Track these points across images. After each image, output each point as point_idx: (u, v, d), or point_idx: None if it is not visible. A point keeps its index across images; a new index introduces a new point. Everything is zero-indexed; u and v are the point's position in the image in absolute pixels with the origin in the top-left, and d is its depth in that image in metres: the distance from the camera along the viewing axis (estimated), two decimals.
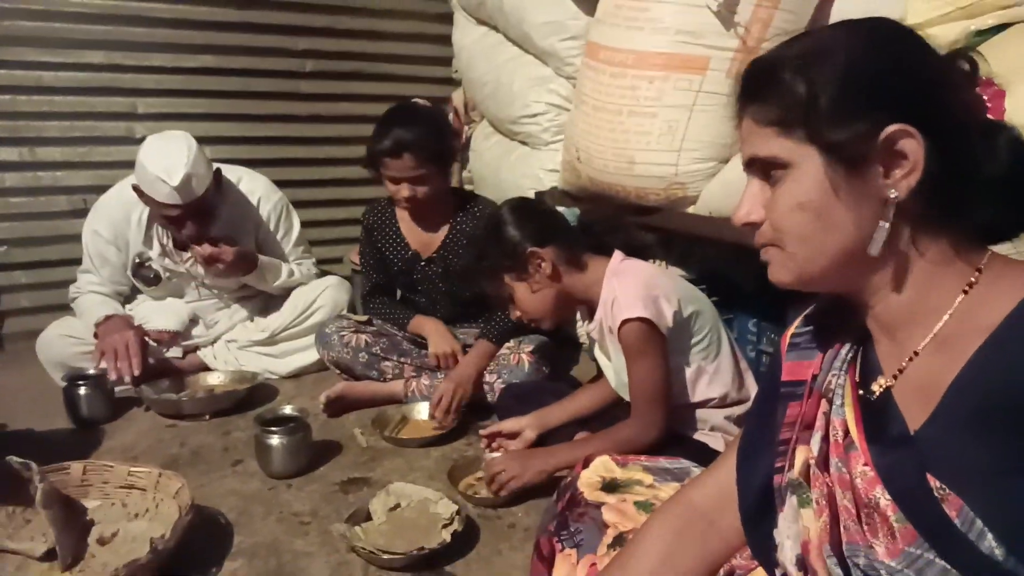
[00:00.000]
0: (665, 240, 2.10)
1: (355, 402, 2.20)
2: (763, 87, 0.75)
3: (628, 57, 1.89)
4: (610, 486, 1.14)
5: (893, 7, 1.64)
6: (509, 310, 1.72)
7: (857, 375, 0.80)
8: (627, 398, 1.59)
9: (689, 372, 1.58)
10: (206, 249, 2.23)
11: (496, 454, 1.73)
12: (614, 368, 1.66)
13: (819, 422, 0.81)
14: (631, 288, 1.53)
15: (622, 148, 1.92)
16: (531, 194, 2.49)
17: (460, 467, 1.78)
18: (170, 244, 2.38)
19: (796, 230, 0.74)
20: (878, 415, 0.75)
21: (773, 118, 0.73)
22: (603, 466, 1.19)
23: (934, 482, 0.65)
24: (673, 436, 1.54)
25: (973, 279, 0.71)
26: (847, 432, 0.77)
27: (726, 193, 1.83)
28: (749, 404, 1.60)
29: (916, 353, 0.73)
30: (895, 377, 0.75)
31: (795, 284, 0.76)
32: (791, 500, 0.81)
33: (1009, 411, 0.61)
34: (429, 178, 2.14)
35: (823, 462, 0.79)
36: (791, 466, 0.83)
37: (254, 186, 2.49)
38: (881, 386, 0.77)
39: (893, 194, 0.70)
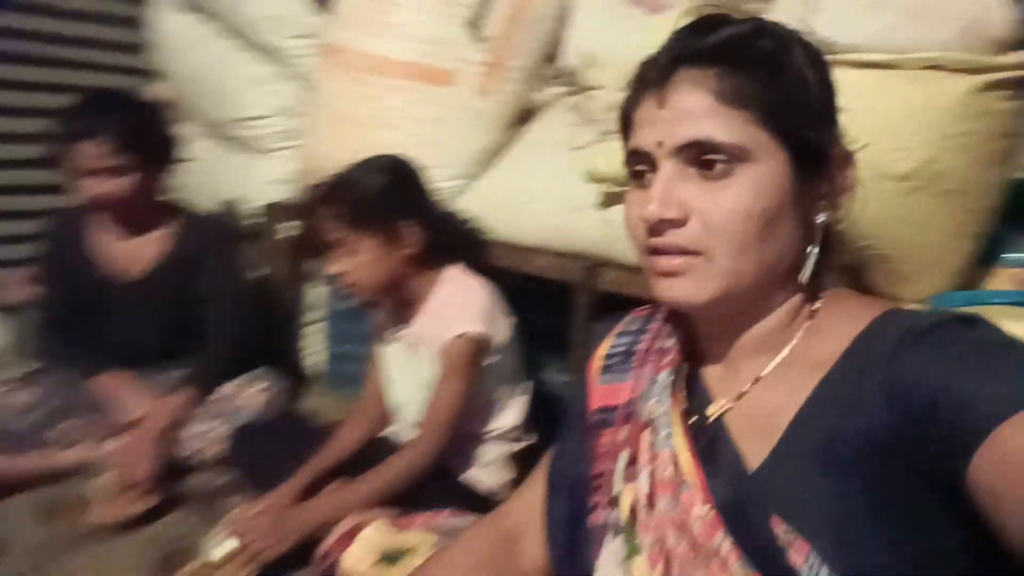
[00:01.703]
0: None
1: (16, 483, 1.64)
2: (736, 54, 0.63)
3: (371, 63, 1.73)
4: (390, 557, 0.98)
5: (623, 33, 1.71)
6: (336, 264, 1.44)
7: (682, 402, 0.74)
8: (407, 417, 1.45)
9: (489, 399, 1.48)
10: None
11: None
12: (407, 384, 1.50)
13: (643, 455, 0.73)
14: (472, 301, 1.41)
15: None
16: (255, 207, 2.21)
17: (175, 556, 1.41)
18: None
19: (738, 237, 0.63)
20: (711, 447, 0.69)
21: (747, 97, 0.62)
22: (376, 535, 1.02)
23: (780, 525, 0.60)
24: (439, 471, 1.42)
25: (815, 308, 0.69)
26: (676, 465, 0.69)
27: (482, 212, 1.75)
28: (531, 440, 1.53)
29: (757, 380, 0.69)
30: (736, 401, 0.70)
31: (709, 303, 0.65)
32: (614, 545, 0.73)
33: (850, 452, 0.58)
34: (130, 172, 1.68)
35: (651, 502, 0.71)
36: (611, 504, 0.75)
37: None
38: (718, 410, 0.70)
39: (820, 219, 0.66)
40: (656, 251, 0.66)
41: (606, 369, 0.83)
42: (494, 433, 1.52)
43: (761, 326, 0.69)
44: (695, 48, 0.65)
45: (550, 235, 1.55)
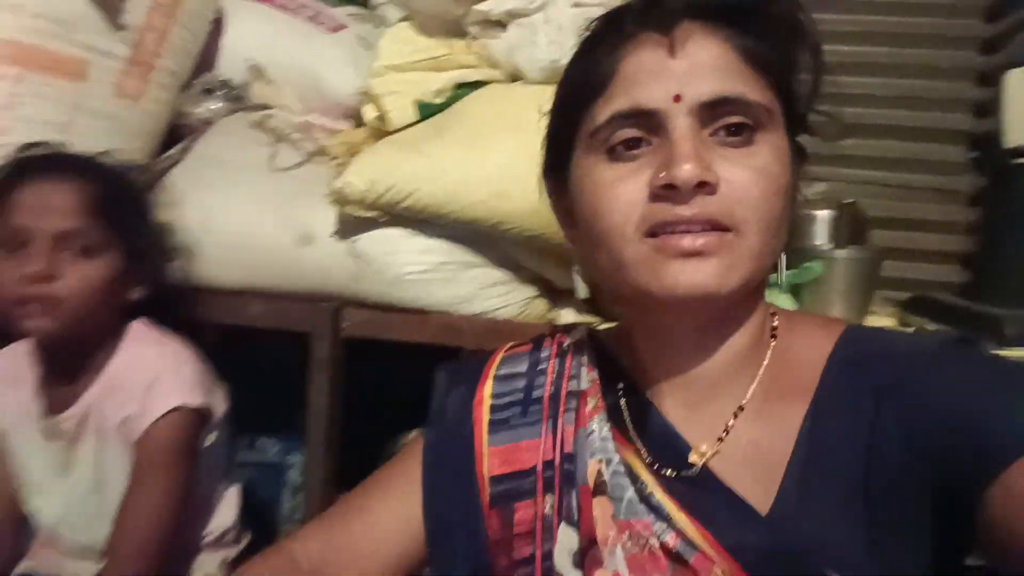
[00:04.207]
0: None
1: None
2: (753, 17, 0.56)
3: None
4: None
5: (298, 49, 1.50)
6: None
7: (642, 453, 0.62)
8: (66, 542, 1.04)
9: (206, 495, 1.09)
10: None
11: None
12: (65, 493, 1.04)
13: (605, 532, 0.58)
14: (186, 366, 1.02)
15: None
16: None
17: None
18: None
19: (769, 213, 0.54)
20: (702, 500, 0.58)
21: (767, 61, 0.56)
22: None
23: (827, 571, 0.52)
24: None
25: (775, 323, 0.64)
26: (666, 532, 0.57)
27: None
28: (245, 541, 1.16)
29: (739, 410, 0.60)
30: (720, 440, 0.59)
31: (730, 294, 0.54)
32: None
33: (865, 484, 0.54)
34: None
35: None
36: None
37: None
38: (703, 457, 0.59)
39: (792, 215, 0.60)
40: (672, 229, 0.53)
41: (497, 425, 0.66)
42: (208, 539, 1.13)
43: (736, 340, 0.60)
44: (708, 1, 0.56)
45: (268, 274, 1.23)
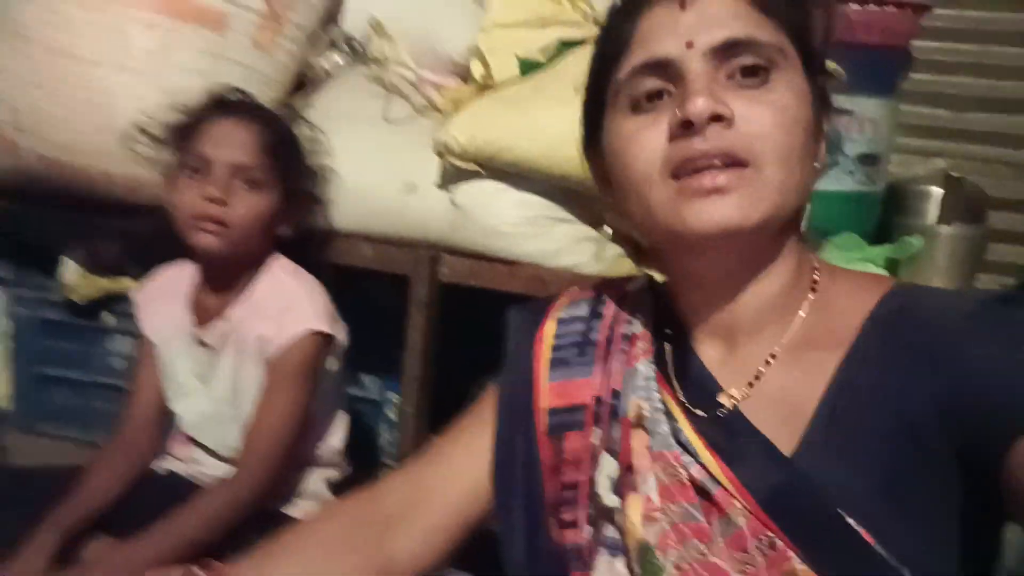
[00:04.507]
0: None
1: None
2: None
3: None
4: None
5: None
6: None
7: (678, 393, 0.66)
8: (208, 441, 1.20)
9: (321, 416, 1.21)
10: None
11: None
12: (208, 398, 1.18)
13: (640, 460, 0.63)
14: (318, 297, 1.15)
15: (105, 117, 1.32)
16: None
17: None
18: None
19: (787, 145, 0.56)
20: (730, 440, 0.61)
21: (777, 6, 0.58)
22: None
23: (845, 514, 0.54)
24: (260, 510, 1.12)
25: (816, 276, 0.65)
26: (692, 466, 0.61)
27: None
28: (344, 469, 1.29)
29: (771, 358, 0.62)
30: (750, 385, 0.62)
31: (757, 228, 0.57)
32: (615, 569, 0.63)
33: (891, 437, 0.55)
34: None
35: (666, 513, 0.61)
36: (600, 520, 0.65)
37: None
38: (732, 400, 0.62)
39: (818, 162, 0.62)
40: (692, 168, 0.56)
41: (556, 363, 0.72)
42: (318, 457, 1.26)
43: (767, 285, 0.62)
44: None
45: (376, 220, 1.33)
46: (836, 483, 0.55)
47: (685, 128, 0.55)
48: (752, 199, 0.55)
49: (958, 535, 0.55)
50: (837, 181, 1.70)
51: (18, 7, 1.36)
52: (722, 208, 0.55)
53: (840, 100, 1.59)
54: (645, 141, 0.58)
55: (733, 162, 0.55)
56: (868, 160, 1.71)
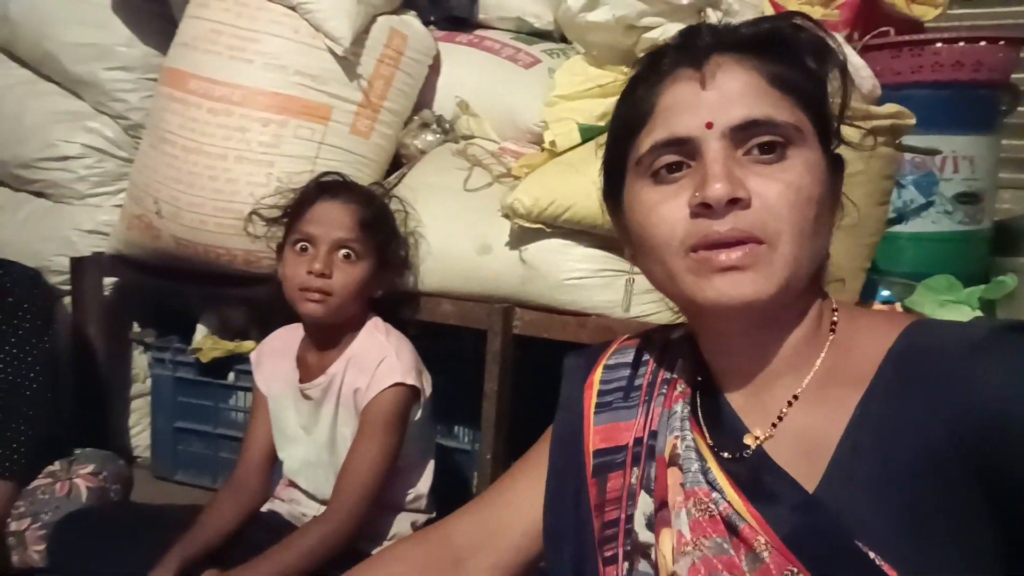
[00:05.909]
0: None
1: None
2: (779, 45, 0.62)
3: (234, 92, 1.55)
4: None
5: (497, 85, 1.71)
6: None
7: (706, 435, 0.69)
8: (307, 485, 1.32)
9: (409, 463, 1.31)
10: None
11: None
12: (310, 445, 1.31)
13: (674, 497, 0.66)
14: (406, 353, 1.27)
15: (228, 201, 1.54)
16: (61, 263, 1.87)
17: None
18: None
19: (801, 222, 0.58)
20: (756, 479, 0.63)
21: (794, 83, 0.61)
22: None
23: (864, 549, 0.55)
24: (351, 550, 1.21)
25: (835, 319, 0.67)
26: (720, 503, 0.63)
27: None
28: (432, 513, 1.38)
29: (793, 399, 0.64)
30: (774, 426, 0.64)
31: (772, 299, 0.59)
32: None
33: (912, 472, 0.55)
34: None
35: (696, 547, 0.63)
36: (636, 554, 0.68)
37: None
38: (757, 440, 0.65)
39: (836, 222, 0.65)
40: (711, 245, 0.59)
41: (602, 407, 0.76)
42: (407, 502, 1.35)
43: (791, 338, 0.65)
44: (736, 36, 0.63)
45: (456, 279, 1.45)
46: (858, 516, 0.56)
47: (704, 208, 0.59)
48: (767, 274, 0.58)
49: (991, 564, 0.55)
50: (934, 222, 1.66)
51: (164, 116, 1.63)
52: (738, 285, 0.58)
53: (931, 140, 1.58)
54: (666, 213, 0.61)
55: (750, 239, 0.58)
56: (967, 199, 1.65)
